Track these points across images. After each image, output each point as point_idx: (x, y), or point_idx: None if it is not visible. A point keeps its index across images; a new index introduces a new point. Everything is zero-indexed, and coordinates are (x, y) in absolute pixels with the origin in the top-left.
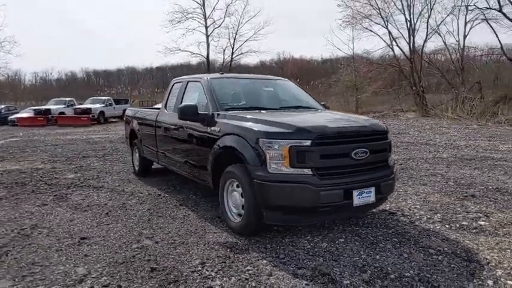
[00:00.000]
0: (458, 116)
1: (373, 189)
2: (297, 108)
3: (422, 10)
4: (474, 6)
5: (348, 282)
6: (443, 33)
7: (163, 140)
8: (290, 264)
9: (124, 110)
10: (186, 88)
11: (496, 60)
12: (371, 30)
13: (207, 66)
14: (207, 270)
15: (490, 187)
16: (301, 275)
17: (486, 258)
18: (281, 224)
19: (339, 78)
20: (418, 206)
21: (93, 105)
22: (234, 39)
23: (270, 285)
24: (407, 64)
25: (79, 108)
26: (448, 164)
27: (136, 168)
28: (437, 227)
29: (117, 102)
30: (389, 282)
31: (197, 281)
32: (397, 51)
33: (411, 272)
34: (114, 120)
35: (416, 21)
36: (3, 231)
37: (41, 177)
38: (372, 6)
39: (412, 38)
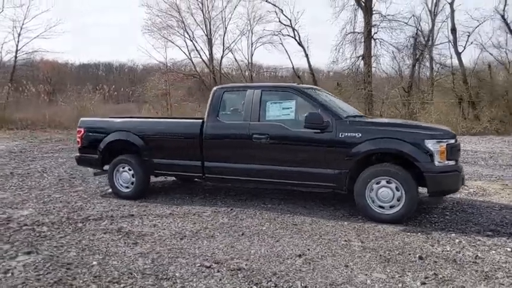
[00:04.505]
0: None
1: None
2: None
3: (217, 28)
4: (268, 30)
5: None
6: (236, 50)
7: (226, 151)
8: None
9: None
10: (261, 97)
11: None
12: (171, 41)
13: None
14: (465, 250)
15: None
16: None
17: None
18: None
19: (147, 85)
20: None
21: None
22: (19, 35)
23: None
24: (208, 75)
25: None
26: None
27: (126, 190)
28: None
29: None
30: None
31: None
32: (200, 62)
33: None
34: None
35: (212, 37)
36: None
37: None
38: (174, 17)
39: (210, 52)
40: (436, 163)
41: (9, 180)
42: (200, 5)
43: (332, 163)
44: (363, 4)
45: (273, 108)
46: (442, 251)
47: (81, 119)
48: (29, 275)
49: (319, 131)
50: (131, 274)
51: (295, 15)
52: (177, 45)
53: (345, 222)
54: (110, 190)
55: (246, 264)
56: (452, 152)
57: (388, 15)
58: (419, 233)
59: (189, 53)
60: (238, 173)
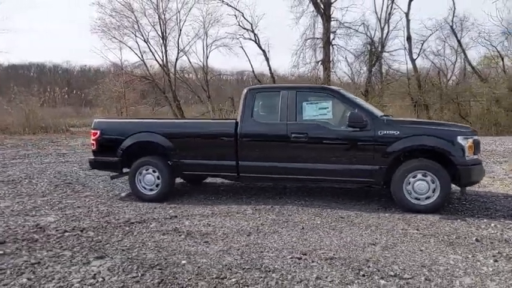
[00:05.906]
0: None
1: None
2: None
3: (171, 30)
4: (228, 33)
5: None
6: (191, 53)
7: (262, 150)
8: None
9: None
10: (297, 98)
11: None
12: (123, 42)
13: None
14: (506, 231)
15: None
16: None
17: None
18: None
19: (100, 87)
20: None
21: None
22: None
23: None
24: (163, 78)
25: None
26: None
27: (150, 193)
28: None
29: None
30: None
31: None
32: (155, 64)
33: None
34: None
35: (167, 39)
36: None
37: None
38: (128, 18)
39: (165, 54)
40: (467, 157)
41: None
42: (154, 6)
43: (371, 160)
44: (322, 11)
45: (309, 108)
46: (489, 234)
47: (96, 120)
48: (123, 278)
49: (357, 129)
50: (230, 270)
51: (255, 19)
52: (128, 47)
53: (386, 214)
54: (124, 194)
55: (334, 254)
56: (477, 147)
57: (346, 22)
58: (458, 220)
59: (142, 55)
60: (275, 171)
